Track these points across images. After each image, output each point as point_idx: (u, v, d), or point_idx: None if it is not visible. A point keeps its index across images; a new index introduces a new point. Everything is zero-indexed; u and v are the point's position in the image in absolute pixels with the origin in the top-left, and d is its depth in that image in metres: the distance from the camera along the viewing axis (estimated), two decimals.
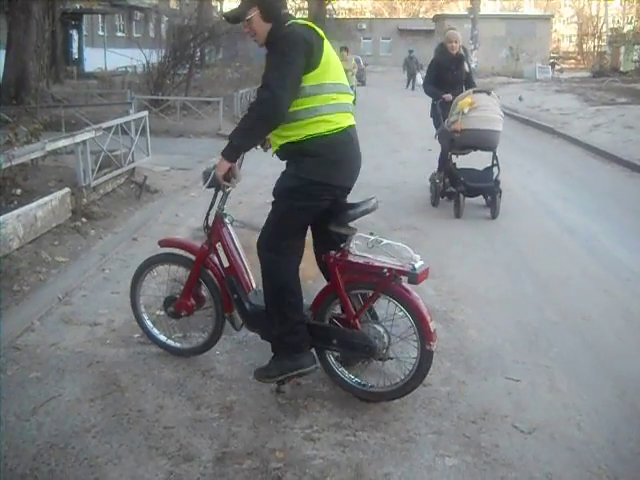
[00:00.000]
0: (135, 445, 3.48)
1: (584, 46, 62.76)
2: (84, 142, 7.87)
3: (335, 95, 3.66)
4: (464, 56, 8.89)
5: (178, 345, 4.50)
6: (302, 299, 3.85)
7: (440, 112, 8.61)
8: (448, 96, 8.45)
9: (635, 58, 38.10)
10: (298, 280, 3.84)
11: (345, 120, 3.70)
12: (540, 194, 9.53)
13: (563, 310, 5.32)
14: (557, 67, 43.21)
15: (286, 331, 3.76)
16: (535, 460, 3.39)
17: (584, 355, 4.57)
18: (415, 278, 3.59)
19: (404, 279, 3.66)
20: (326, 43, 3.68)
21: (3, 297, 5.30)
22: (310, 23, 3.75)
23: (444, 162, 8.67)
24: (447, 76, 8.70)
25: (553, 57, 47.43)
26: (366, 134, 14.69)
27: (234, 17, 3.86)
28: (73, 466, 3.31)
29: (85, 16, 35.08)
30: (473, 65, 32.46)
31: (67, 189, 7.31)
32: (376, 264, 3.72)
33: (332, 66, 3.68)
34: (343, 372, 3.96)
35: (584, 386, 4.13)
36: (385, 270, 3.64)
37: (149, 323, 4.57)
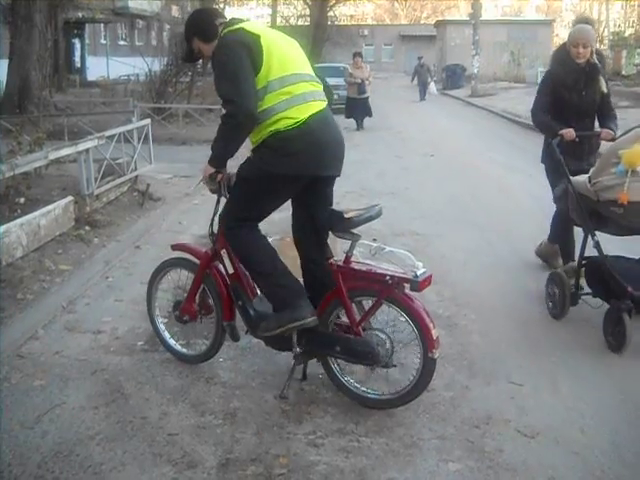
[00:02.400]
0: (139, 452, 3.49)
1: None
2: (87, 150, 7.90)
3: (286, 89, 3.62)
4: (599, 67, 5.59)
5: (184, 351, 4.52)
6: (274, 253, 3.89)
7: (560, 158, 5.26)
8: (570, 133, 5.34)
9: (637, 62, 38.06)
10: (264, 240, 3.92)
11: (304, 112, 3.64)
12: (543, 198, 9.44)
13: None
14: None
15: (272, 286, 3.83)
16: (539, 464, 3.39)
17: (586, 358, 4.56)
18: (417, 285, 3.59)
19: (407, 286, 3.67)
20: (264, 38, 3.63)
21: (7, 305, 5.31)
22: (243, 25, 3.71)
23: (567, 243, 6.03)
24: (571, 99, 5.58)
25: None
26: (369, 140, 14.76)
27: (188, 56, 4.08)
28: (77, 474, 3.31)
29: (87, 25, 35.26)
30: (475, 70, 32.73)
31: (70, 197, 7.34)
32: (379, 271, 3.72)
33: (276, 60, 3.62)
34: (347, 379, 3.96)
35: (587, 390, 4.13)
36: (388, 277, 3.64)
37: (162, 326, 4.59)
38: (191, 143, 15.06)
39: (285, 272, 3.86)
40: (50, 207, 6.84)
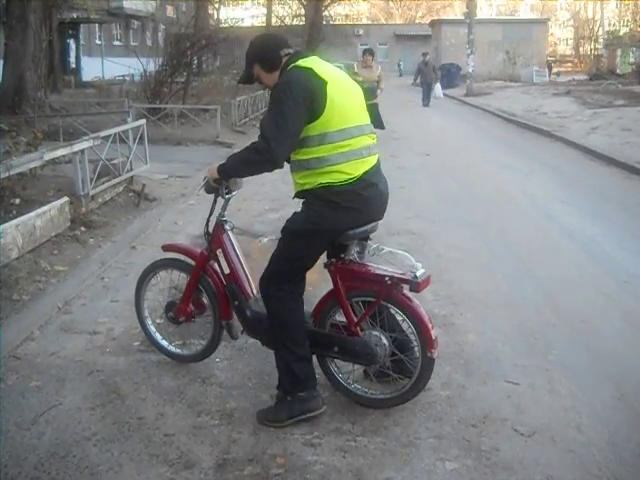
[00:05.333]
0: (136, 453, 3.48)
1: (580, 49, 63.05)
2: (82, 151, 7.89)
3: (346, 142, 3.53)
4: None
5: (179, 351, 4.51)
6: (305, 334, 3.80)
7: None
8: None
9: (632, 60, 38.22)
10: (302, 315, 3.83)
11: (360, 167, 3.57)
12: (538, 197, 9.53)
13: (562, 313, 5.33)
14: (554, 70, 43.31)
15: (292, 365, 3.73)
16: (535, 463, 3.39)
17: (583, 357, 4.57)
18: (417, 286, 3.59)
19: (405, 287, 3.66)
20: (331, 86, 3.50)
21: (3, 306, 5.30)
22: (313, 65, 3.58)
23: None
24: None
25: (549, 60, 47.49)
26: None
27: (245, 79, 3.91)
28: (74, 475, 3.31)
29: (82, 25, 35.22)
30: (470, 69, 32.73)
31: (66, 198, 7.33)
32: (378, 272, 3.72)
33: (338, 111, 3.51)
34: (344, 379, 3.96)
35: (584, 388, 4.14)
36: (387, 278, 3.63)
37: (152, 328, 4.57)
38: (186, 143, 15.04)
39: (309, 358, 3.82)
40: (45, 208, 6.83)
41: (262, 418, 3.76)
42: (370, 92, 14.59)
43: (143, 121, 10.50)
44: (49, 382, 4.22)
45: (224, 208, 4.14)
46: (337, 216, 3.57)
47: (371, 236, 3.89)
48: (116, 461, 3.41)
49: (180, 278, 4.46)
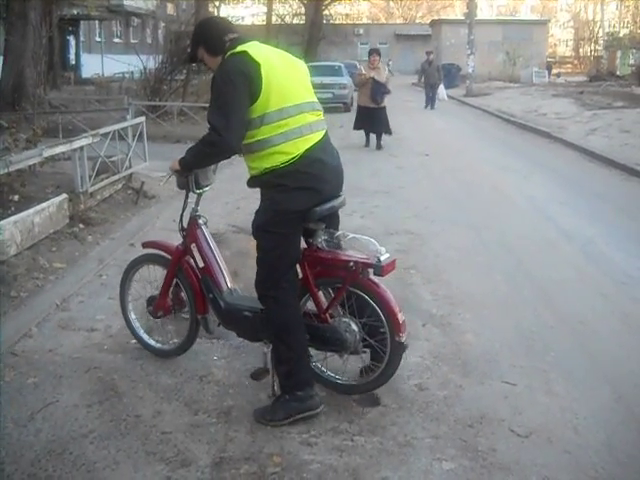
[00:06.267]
0: (133, 450, 3.48)
1: (580, 50, 63.03)
2: (81, 148, 7.88)
3: (284, 122, 3.55)
4: None
5: (159, 346, 4.57)
6: (304, 333, 3.81)
7: None
8: None
9: (631, 62, 38.24)
10: (299, 314, 3.84)
11: (301, 146, 3.58)
12: (537, 198, 9.54)
13: (560, 314, 5.33)
14: (554, 71, 43.31)
15: (291, 364, 3.74)
16: (532, 464, 3.40)
17: (581, 359, 4.57)
18: (381, 270, 3.63)
19: (371, 272, 3.70)
20: (265, 66, 3.52)
21: (1, 303, 5.30)
22: (247, 48, 3.59)
23: None
24: None
25: (549, 61, 47.49)
26: (362, 142, 14.74)
27: (190, 58, 4.01)
28: (71, 472, 3.31)
29: (82, 22, 35.22)
30: (470, 70, 32.71)
31: (64, 195, 7.32)
32: (343, 258, 3.76)
33: (275, 90, 3.53)
34: (316, 365, 4.00)
35: (581, 390, 4.14)
36: (351, 263, 3.68)
37: (136, 323, 4.63)
38: (186, 141, 14.93)
39: (309, 356, 3.83)
40: (44, 205, 6.82)
41: (259, 417, 3.76)
42: (375, 94, 14.16)
43: (142, 118, 10.49)
44: (46, 379, 4.22)
45: (197, 203, 4.23)
46: (290, 198, 3.60)
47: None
48: (113, 458, 3.41)
49: (161, 272, 4.49)
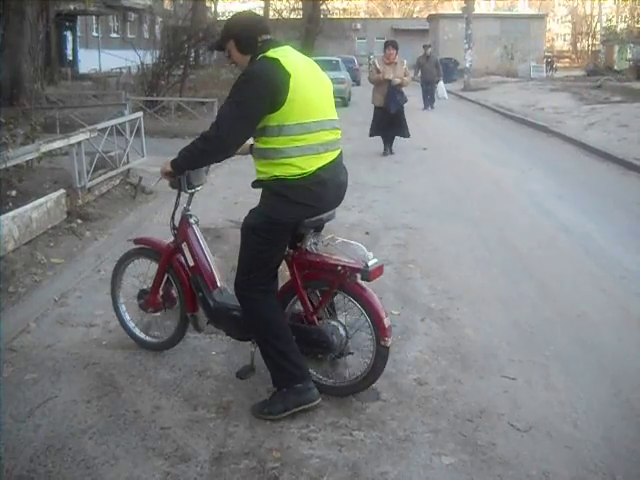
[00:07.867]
0: (132, 446, 3.48)
1: (578, 45, 63.03)
2: (79, 143, 7.86)
3: (303, 136, 3.53)
4: None
5: (148, 339, 4.59)
6: (288, 329, 3.81)
7: None
8: None
9: (629, 57, 38.16)
10: (279, 311, 3.84)
11: (314, 163, 3.58)
12: (535, 192, 9.53)
13: (559, 308, 5.33)
14: (554, 65, 43.26)
15: (279, 361, 3.74)
16: (532, 458, 3.40)
17: (580, 353, 4.57)
18: (368, 275, 3.67)
19: (358, 276, 3.73)
20: (294, 79, 3.47)
21: None
22: (280, 56, 3.54)
23: None
24: None
25: (548, 56, 47.39)
26: (361, 134, 14.72)
27: (217, 45, 3.93)
28: (70, 467, 3.31)
29: (79, 17, 35.06)
30: (467, 64, 32.68)
31: (62, 190, 7.31)
32: (331, 262, 3.81)
33: (298, 104, 3.49)
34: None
35: (580, 384, 4.14)
36: (339, 267, 3.72)
37: (127, 316, 4.66)
38: (183, 136, 14.87)
39: (298, 350, 3.81)
40: (42, 200, 6.81)
41: (257, 412, 3.76)
42: (392, 95, 12.50)
43: (140, 114, 10.48)
44: (45, 375, 4.21)
45: (189, 202, 4.27)
46: (288, 209, 3.61)
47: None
48: (112, 454, 3.41)
49: (153, 267, 4.50)
